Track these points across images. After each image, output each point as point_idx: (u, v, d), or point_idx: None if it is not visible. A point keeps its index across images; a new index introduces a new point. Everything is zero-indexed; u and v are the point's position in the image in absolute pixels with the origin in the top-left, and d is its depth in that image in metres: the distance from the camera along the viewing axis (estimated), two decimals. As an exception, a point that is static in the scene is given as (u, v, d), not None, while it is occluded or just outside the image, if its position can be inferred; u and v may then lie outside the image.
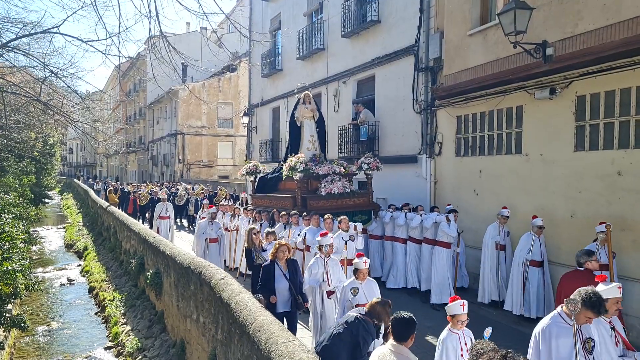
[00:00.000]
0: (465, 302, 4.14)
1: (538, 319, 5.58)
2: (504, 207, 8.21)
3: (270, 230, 7.56)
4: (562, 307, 3.64)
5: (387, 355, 3.05)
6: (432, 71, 10.54)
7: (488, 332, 3.70)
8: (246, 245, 6.95)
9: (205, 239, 10.51)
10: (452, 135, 10.08)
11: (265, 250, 6.86)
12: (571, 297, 3.50)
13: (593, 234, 6.86)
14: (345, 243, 7.10)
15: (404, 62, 11.41)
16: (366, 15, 12.59)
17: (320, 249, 6.16)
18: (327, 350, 3.90)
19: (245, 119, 20.65)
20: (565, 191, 7.58)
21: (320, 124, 10.73)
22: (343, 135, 13.42)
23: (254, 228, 7.15)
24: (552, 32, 7.20)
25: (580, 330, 3.52)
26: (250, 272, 7.54)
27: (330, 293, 6.10)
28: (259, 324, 4.47)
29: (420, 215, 8.97)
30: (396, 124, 11.75)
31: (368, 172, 9.88)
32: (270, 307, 5.47)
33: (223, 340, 5.65)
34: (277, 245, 5.91)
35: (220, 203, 13.68)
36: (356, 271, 5.35)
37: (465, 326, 4.14)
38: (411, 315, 3.30)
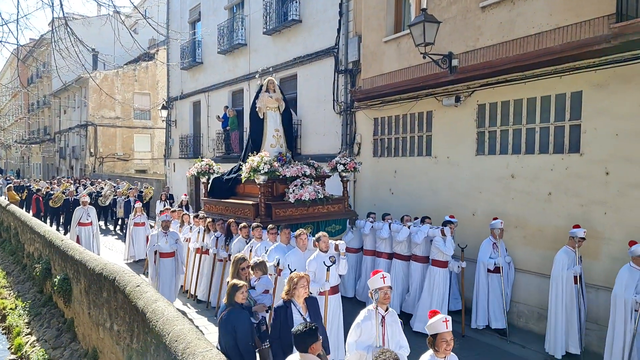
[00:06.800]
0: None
1: None
2: (577, 226, 6.36)
3: (259, 260, 5.91)
4: None
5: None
6: (352, 73, 10.91)
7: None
8: (230, 280, 5.28)
9: (155, 252, 8.60)
10: (370, 136, 10.53)
11: (254, 288, 5.51)
12: None
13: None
14: (328, 269, 5.72)
15: (325, 63, 11.68)
16: (287, 14, 12.67)
17: (371, 296, 4.35)
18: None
19: (164, 113, 19.87)
20: (468, 191, 8.29)
21: (287, 116, 9.27)
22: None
23: (243, 259, 5.53)
24: (457, 45, 7.80)
25: None
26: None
27: None
28: (176, 334, 4.44)
29: (409, 226, 7.75)
30: (317, 123, 12.02)
31: (344, 174, 8.61)
32: None
33: (139, 349, 5.52)
34: (295, 279, 4.51)
35: (167, 209, 11.46)
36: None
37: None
38: (309, 326, 3.42)
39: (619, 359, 5.59)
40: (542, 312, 7.22)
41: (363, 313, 4.36)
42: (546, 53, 6.59)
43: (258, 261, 5.80)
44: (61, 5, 6.97)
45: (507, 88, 7.55)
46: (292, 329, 3.50)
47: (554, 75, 6.92)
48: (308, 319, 4.36)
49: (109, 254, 13.37)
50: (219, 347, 4.57)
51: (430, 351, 3.48)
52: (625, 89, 6.21)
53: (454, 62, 7.64)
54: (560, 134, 7.01)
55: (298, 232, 6.50)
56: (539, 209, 7.22)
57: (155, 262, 8.65)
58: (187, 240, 9.78)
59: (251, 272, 5.63)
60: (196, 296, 9.33)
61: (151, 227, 12.66)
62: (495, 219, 7.38)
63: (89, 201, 13.39)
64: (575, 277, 6.29)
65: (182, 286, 9.75)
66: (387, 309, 4.33)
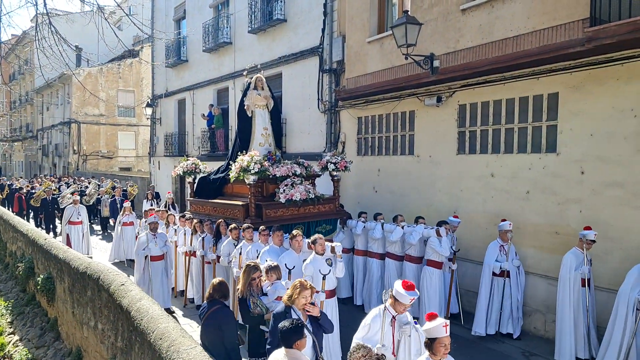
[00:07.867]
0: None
1: None
2: (587, 227, 6.14)
3: (272, 264, 5.46)
4: None
5: (281, 358, 3.32)
6: (336, 73, 11.01)
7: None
8: (240, 289, 5.11)
9: (146, 257, 8.29)
10: (354, 135, 10.65)
11: (266, 295, 5.21)
12: None
13: (473, 228, 7.76)
14: (324, 278, 5.58)
15: (310, 62, 11.75)
16: (272, 13, 12.71)
17: (395, 305, 4.17)
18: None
19: (149, 110, 19.73)
20: (449, 190, 8.47)
21: (275, 114, 9.05)
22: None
23: (256, 269, 5.17)
24: (438, 46, 7.95)
25: None
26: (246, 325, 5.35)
27: None
28: (161, 332, 4.50)
29: (402, 227, 7.62)
30: (302, 122, 12.10)
31: (334, 173, 8.47)
32: None
33: (123, 347, 5.56)
34: (297, 286, 4.27)
35: (152, 209, 11.11)
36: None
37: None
38: (295, 323, 3.53)
39: (614, 357, 5.41)
40: (522, 309, 7.41)
41: (374, 312, 4.29)
42: (524, 55, 6.77)
43: (273, 265, 5.41)
44: (44, 2, 6.96)
45: (487, 89, 7.73)
46: (279, 325, 3.59)
47: (532, 76, 7.10)
48: (310, 327, 4.21)
49: (94, 252, 13.28)
50: (201, 345, 4.64)
51: (427, 353, 3.50)
52: (600, 90, 6.42)
53: (436, 63, 7.79)
54: (537, 134, 7.20)
55: (294, 232, 6.29)
56: (518, 207, 7.42)
57: (143, 267, 8.38)
58: (174, 244, 9.56)
59: (263, 277, 5.31)
60: (188, 299, 9.15)
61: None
62: (503, 220, 7.04)
63: (79, 199, 13.33)
64: (582, 280, 6.05)
65: (172, 288, 9.65)
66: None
